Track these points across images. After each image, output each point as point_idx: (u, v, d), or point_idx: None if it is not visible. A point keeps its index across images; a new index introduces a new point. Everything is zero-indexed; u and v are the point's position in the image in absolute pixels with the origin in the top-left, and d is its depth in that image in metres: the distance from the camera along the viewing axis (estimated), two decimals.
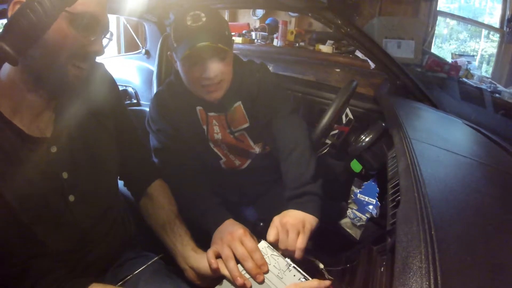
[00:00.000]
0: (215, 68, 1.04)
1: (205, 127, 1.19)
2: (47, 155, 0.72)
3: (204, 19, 1.00)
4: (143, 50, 2.47)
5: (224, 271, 0.83)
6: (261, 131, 1.24)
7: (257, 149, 1.26)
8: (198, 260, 0.87)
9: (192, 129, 1.19)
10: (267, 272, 0.82)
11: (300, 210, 0.96)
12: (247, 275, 0.81)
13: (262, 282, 0.80)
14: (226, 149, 1.25)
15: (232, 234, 0.88)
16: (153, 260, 0.92)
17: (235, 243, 0.86)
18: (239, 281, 0.79)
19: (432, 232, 0.46)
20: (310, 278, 0.79)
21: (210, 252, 0.86)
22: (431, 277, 0.38)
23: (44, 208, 0.71)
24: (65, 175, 0.75)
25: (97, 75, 0.88)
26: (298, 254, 0.88)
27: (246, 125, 1.21)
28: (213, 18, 1.02)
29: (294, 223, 0.91)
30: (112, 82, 0.93)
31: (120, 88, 2.36)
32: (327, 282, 0.76)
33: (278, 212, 1.19)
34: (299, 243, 0.88)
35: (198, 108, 1.17)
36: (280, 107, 1.22)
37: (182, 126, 1.17)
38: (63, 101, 0.77)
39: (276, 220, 0.93)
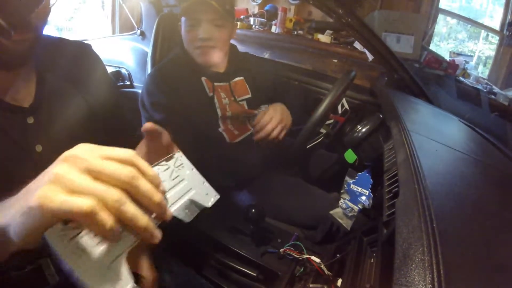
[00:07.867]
0: (208, 30, 1.19)
1: (211, 94, 1.29)
2: (22, 126, 0.68)
3: None
4: (138, 31, 2.42)
5: None
6: (260, 103, 1.40)
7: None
8: None
9: (197, 97, 1.28)
10: None
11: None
12: None
13: None
14: (229, 118, 1.33)
15: None
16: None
17: None
18: None
19: (434, 225, 0.44)
20: None
21: None
22: (434, 269, 0.36)
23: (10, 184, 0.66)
24: (38, 148, 0.70)
25: (84, 53, 0.86)
26: None
27: (248, 96, 1.39)
28: None
29: None
30: (98, 61, 0.90)
31: (114, 69, 2.34)
32: None
33: (269, 196, 1.21)
34: None
35: (203, 78, 1.28)
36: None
37: (186, 94, 1.25)
38: (45, 74, 0.74)
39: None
